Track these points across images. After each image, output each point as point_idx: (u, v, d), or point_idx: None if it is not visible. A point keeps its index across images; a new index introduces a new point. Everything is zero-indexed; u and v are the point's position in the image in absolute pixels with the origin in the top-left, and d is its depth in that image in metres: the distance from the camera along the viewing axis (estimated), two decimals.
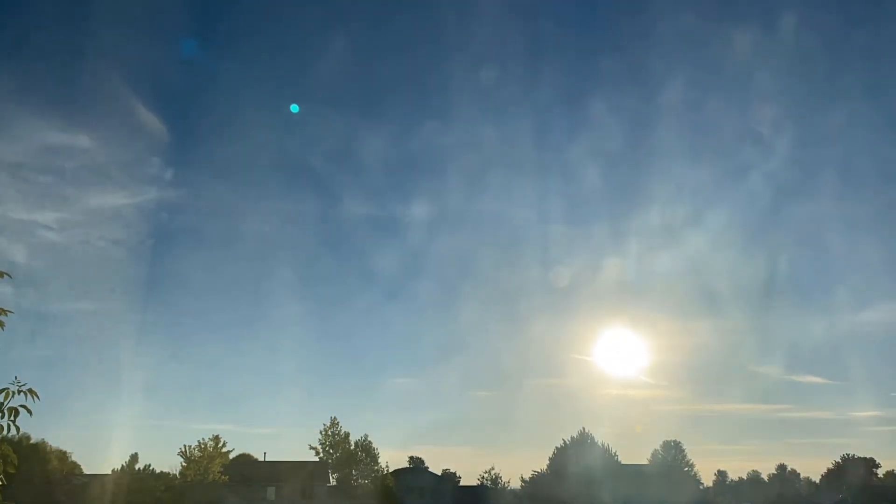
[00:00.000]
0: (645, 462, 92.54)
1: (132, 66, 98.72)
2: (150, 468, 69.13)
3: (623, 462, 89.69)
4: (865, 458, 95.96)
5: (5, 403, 5.77)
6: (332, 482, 77.26)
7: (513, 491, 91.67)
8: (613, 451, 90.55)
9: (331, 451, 78.27)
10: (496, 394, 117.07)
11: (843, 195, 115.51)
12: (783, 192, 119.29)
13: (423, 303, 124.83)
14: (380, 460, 79.80)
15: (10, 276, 5.99)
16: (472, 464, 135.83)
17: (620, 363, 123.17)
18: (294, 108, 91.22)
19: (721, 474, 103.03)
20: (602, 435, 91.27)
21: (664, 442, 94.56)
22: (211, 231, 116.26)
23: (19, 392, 5.80)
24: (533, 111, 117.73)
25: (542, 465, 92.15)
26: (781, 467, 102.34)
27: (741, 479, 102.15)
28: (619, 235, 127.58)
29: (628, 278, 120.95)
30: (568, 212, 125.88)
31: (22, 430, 6.12)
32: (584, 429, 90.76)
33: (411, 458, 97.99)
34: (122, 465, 69.51)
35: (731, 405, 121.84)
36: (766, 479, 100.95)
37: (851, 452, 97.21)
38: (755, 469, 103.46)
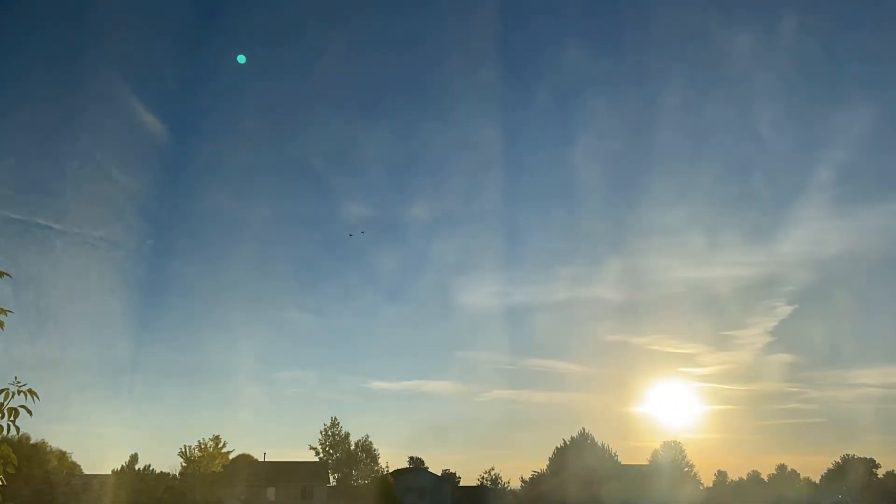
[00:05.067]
0: (645, 462, 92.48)
1: (132, 66, 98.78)
2: (150, 468, 69.23)
3: (623, 462, 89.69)
4: (865, 459, 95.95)
5: (5, 404, 5.77)
6: (332, 482, 77.23)
7: (513, 491, 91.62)
8: (613, 451, 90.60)
9: (331, 451, 78.27)
10: (495, 394, 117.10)
11: (843, 194, 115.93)
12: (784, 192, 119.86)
13: (423, 303, 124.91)
14: (380, 461, 79.86)
15: (10, 276, 5.98)
16: (472, 464, 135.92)
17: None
18: (241, 58, 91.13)
19: (721, 474, 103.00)
20: (601, 435, 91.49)
21: (664, 442, 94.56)
22: (210, 231, 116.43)
23: (19, 392, 5.80)
24: (532, 111, 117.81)
25: (542, 465, 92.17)
26: (781, 467, 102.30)
27: (741, 479, 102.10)
28: (618, 235, 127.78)
29: (628, 279, 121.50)
30: (567, 212, 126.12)
31: (22, 431, 6.12)
32: (584, 429, 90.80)
33: (411, 458, 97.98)
34: (122, 466, 69.59)
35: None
36: (765, 479, 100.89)
37: (851, 452, 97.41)
38: (755, 469, 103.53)
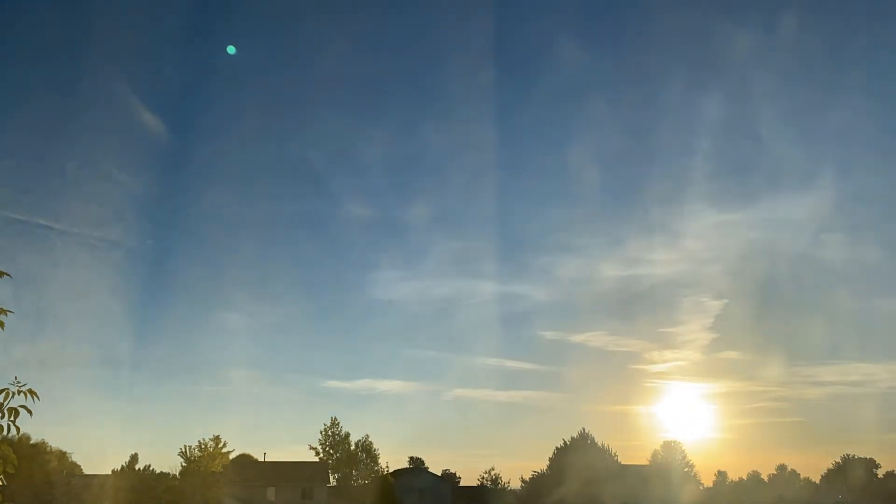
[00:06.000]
0: (645, 462, 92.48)
1: (132, 65, 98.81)
2: (150, 468, 69.20)
3: (623, 462, 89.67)
4: (865, 459, 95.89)
5: (5, 404, 5.76)
6: (332, 482, 77.21)
7: (513, 491, 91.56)
8: (613, 451, 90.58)
9: (331, 451, 78.22)
10: (457, 393, 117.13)
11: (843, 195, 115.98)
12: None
13: (424, 303, 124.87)
14: (380, 461, 79.77)
15: (10, 276, 5.97)
16: (472, 465, 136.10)
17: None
18: (231, 49, 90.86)
19: (721, 474, 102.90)
20: (602, 436, 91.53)
21: (664, 442, 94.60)
22: (210, 231, 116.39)
23: (19, 392, 5.79)
24: (533, 111, 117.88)
25: (542, 465, 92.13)
26: (781, 467, 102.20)
27: (741, 479, 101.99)
28: (618, 236, 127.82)
29: (628, 279, 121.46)
30: (568, 212, 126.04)
31: (22, 431, 6.11)
32: (584, 429, 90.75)
33: (411, 458, 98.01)
34: (122, 466, 69.60)
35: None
36: (765, 479, 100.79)
37: (851, 453, 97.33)
38: (755, 469, 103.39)
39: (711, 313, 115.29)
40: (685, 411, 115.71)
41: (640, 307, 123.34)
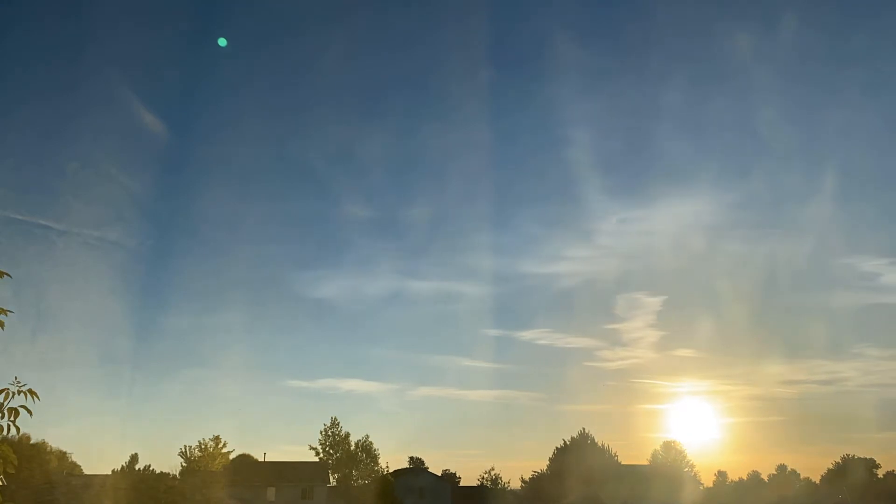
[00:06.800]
0: (645, 462, 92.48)
1: (132, 66, 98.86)
2: (150, 468, 69.19)
3: (623, 462, 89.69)
4: (865, 459, 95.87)
5: (5, 404, 5.76)
6: (332, 482, 77.16)
7: (513, 491, 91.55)
8: (613, 451, 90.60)
9: (331, 451, 78.21)
10: (422, 391, 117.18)
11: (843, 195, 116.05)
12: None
13: (360, 303, 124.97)
14: (380, 461, 79.76)
15: (10, 276, 5.97)
16: (472, 465, 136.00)
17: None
18: (222, 42, 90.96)
19: (721, 475, 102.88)
20: (602, 436, 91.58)
21: (664, 442, 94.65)
22: (210, 231, 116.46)
23: (19, 392, 5.79)
24: (533, 111, 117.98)
25: (542, 465, 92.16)
26: (781, 467, 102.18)
27: (741, 479, 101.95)
28: (618, 237, 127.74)
29: (628, 279, 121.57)
30: (568, 213, 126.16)
31: (22, 431, 6.11)
32: (584, 429, 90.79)
33: (411, 458, 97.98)
34: (122, 466, 69.61)
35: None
36: (765, 479, 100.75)
37: (851, 453, 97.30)
38: (755, 469, 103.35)
39: (652, 310, 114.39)
40: (664, 410, 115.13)
41: (575, 304, 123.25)
